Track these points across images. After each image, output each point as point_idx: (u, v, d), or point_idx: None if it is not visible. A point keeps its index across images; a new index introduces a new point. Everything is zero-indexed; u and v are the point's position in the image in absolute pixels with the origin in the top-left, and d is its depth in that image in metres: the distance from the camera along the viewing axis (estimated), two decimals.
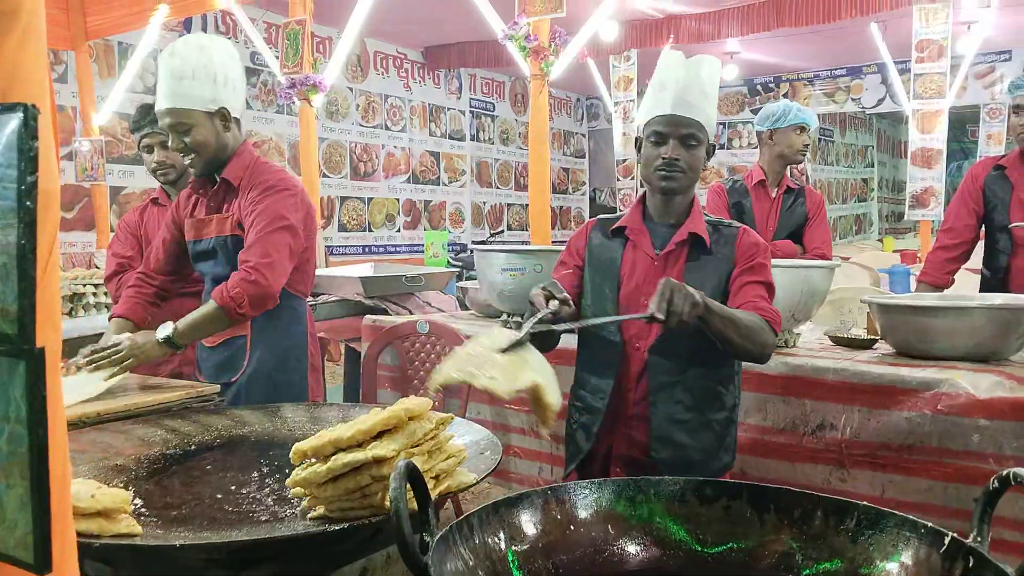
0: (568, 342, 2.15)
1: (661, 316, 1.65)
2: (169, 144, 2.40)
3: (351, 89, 9.29)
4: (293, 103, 5.56)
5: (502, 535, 1.18)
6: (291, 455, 1.26)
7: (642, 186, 2.03)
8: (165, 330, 2.21)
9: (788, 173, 3.51)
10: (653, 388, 1.92)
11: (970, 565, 1.03)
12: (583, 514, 1.29)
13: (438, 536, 1.05)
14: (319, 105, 5.56)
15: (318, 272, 4.32)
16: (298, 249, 2.37)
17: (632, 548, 1.27)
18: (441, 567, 1.01)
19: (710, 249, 1.94)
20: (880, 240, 12.67)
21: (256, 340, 2.42)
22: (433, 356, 3.09)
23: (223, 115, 2.33)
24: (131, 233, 2.96)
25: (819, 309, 2.70)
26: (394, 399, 1.90)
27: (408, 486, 1.07)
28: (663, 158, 1.90)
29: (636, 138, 2.03)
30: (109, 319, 2.49)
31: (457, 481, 1.33)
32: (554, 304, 1.71)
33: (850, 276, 5.58)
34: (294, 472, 1.26)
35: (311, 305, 3.73)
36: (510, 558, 1.14)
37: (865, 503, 1.21)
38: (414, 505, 1.10)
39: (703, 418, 1.92)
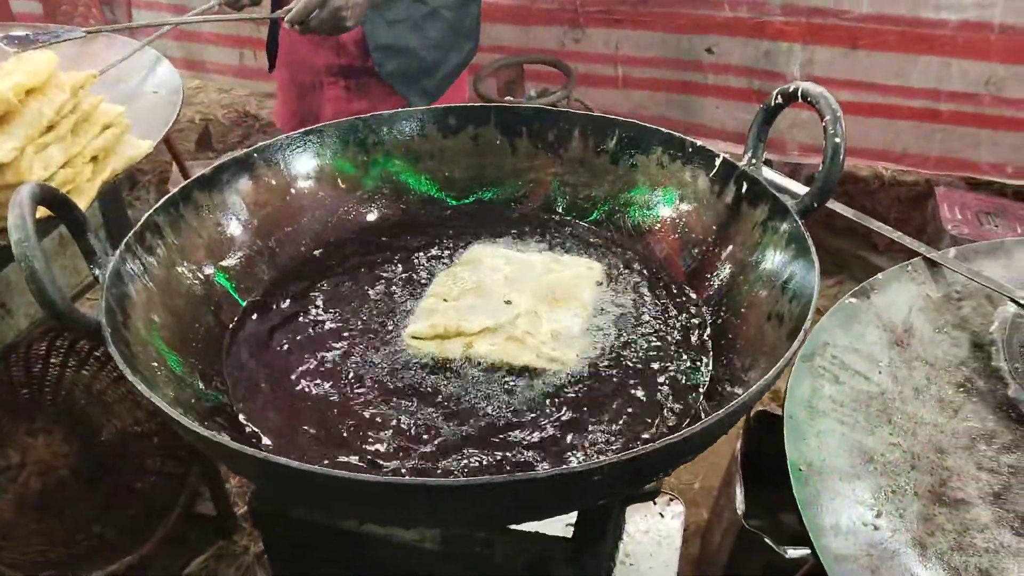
0: None
1: (295, 27, 1.39)
2: None
3: None
4: None
5: (203, 233, 0.92)
6: None
7: None
8: None
9: None
10: None
11: (743, 191, 0.93)
12: (304, 174, 1.04)
13: (110, 269, 0.77)
14: None
15: None
16: None
17: (369, 210, 1.06)
18: (122, 320, 0.75)
19: None
20: None
21: None
22: None
23: None
24: None
25: None
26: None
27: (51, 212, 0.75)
28: None
29: None
30: None
31: (125, 157, 1.00)
32: None
33: None
34: None
35: None
36: (219, 276, 0.90)
37: (626, 119, 1.05)
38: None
39: (426, 8, 1.62)
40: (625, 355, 0.85)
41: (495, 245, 1.01)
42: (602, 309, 0.91)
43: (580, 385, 0.81)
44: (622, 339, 0.87)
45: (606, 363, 0.84)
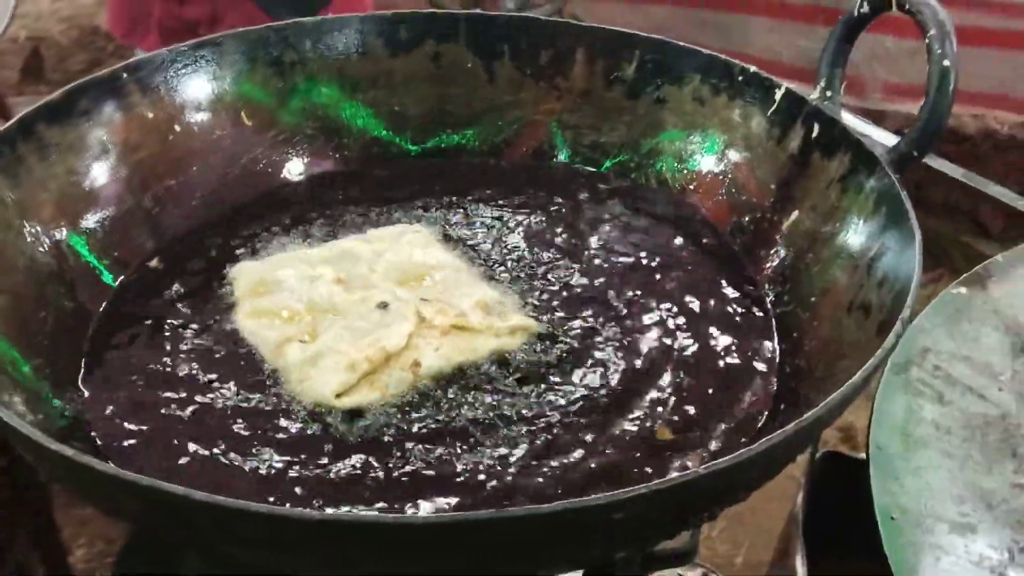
0: None
1: None
2: None
3: None
4: None
5: (51, 183, 0.92)
6: None
7: None
8: None
9: None
10: None
11: (814, 135, 0.96)
12: (194, 103, 1.07)
13: None
14: None
15: None
16: None
17: (287, 157, 1.08)
18: None
19: None
20: None
21: None
22: None
23: None
24: None
25: None
26: None
27: None
28: None
29: None
30: None
31: None
32: None
33: None
34: None
35: None
36: (75, 242, 0.91)
37: (649, 36, 1.08)
38: None
39: None
40: (625, 340, 0.88)
41: (259, 258, 0.99)
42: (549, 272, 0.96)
43: (570, 363, 0.84)
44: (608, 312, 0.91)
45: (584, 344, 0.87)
